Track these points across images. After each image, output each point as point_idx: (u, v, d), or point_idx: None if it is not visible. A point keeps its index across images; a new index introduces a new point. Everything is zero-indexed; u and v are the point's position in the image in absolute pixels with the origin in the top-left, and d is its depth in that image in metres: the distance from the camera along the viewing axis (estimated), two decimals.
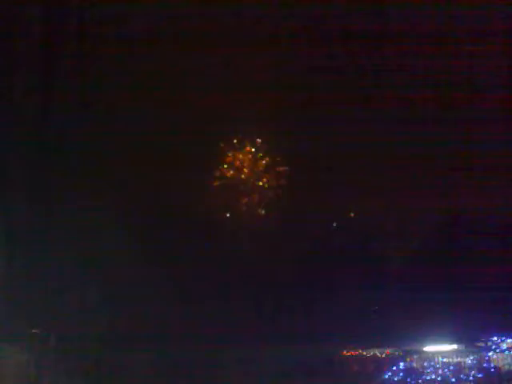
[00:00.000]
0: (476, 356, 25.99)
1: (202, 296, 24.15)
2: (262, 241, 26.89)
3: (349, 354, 26.74)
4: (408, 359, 26.56)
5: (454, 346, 26.44)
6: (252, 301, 25.31)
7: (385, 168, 24.75)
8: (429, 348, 26.52)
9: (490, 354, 25.72)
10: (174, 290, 23.08)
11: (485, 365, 25.72)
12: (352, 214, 28.30)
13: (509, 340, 25.57)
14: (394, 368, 26.25)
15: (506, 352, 25.59)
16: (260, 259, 26.50)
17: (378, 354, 26.88)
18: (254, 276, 26.16)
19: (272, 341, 24.21)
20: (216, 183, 28.49)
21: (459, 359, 26.28)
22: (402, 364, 26.36)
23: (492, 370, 25.60)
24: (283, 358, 24.19)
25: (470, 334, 26.18)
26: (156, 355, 21.69)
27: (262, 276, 26.33)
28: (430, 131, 23.87)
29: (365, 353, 26.84)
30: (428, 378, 25.95)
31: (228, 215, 28.34)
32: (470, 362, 25.97)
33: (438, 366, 26.26)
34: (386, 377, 26.06)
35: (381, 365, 26.63)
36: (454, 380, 25.71)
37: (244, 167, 28.85)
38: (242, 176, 28.84)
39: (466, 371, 25.81)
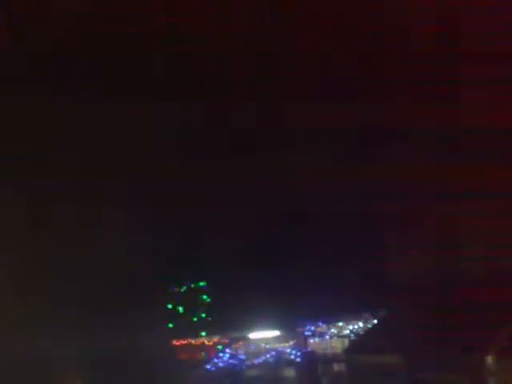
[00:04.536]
0: (295, 341, 28.38)
1: None
2: None
3: (178, 343, 28.25)
4: (234, 346, 28.53)
5: (277, 333, 28.68)
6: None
7: None
8: (253, 335, 28.61)
9: (308, 339, 28.16)
10: None
11: (303, 349, 28.05)
12: None
13: (323, 326, 28.05)
14: (221, 354, 28.09)
15: (321, 337, 28.08)
16: None
17: (206, 342, 28.57)
18: None
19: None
20: None
21: (281, 344, 28.58)
22: (228, 350, 28.27)
23: (309, 353, 27.96)
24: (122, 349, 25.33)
25: (291, 321, 28.38)
26: None
27: None
28: None
29: (193, 341, 28.44)
30: (251, 362, 28.00)
31: None
32: (290, 346, 28.29)
33: (261, 351, 28.40)
34: (212, 363, 27.83)
35: (209, 352, 28.35)
36: (275, 364, 27.89)
37: None
38: None
39: (286, 355, 28.09)
